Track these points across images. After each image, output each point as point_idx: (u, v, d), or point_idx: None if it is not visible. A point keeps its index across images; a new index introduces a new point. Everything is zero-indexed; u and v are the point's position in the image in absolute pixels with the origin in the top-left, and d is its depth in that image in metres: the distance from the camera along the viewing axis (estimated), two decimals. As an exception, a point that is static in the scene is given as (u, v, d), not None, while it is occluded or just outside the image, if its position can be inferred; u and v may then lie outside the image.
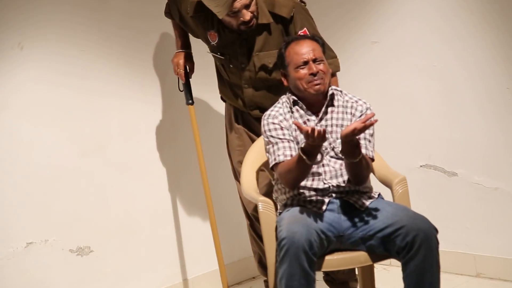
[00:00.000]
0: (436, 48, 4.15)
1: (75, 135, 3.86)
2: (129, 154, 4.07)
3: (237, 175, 3.85)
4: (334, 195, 3.18)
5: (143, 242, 4.11)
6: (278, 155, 3.17)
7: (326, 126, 3.23)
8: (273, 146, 3.20)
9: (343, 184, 3.18)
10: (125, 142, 4.05)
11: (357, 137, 2.96)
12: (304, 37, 3.32)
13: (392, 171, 3.39)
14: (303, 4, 3.65)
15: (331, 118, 3.25)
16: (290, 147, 3.18)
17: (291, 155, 3.13)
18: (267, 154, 3.25)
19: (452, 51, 4.09)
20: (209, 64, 3.91)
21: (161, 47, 4.21)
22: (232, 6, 3.45)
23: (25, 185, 3.69)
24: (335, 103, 3.27)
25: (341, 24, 4.54)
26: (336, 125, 3.23)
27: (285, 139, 3.19)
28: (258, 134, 3.67)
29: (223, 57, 3.69)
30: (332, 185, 3.17)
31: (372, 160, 3.19)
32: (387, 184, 3.36)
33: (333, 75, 3.57)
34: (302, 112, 3.27)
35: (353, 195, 3.19)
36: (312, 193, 3.19)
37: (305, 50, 3.22)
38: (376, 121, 2.92)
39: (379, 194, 3.28)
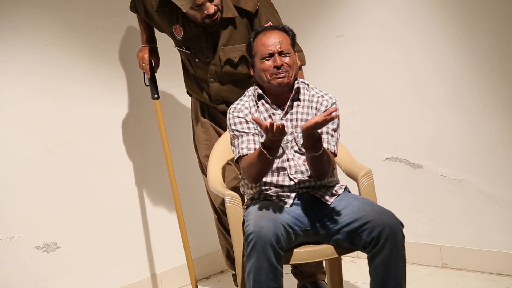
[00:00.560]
0: (402, 40, 4.15)
1: (39, 130, 3.83)
2: (95, 149, 4.04)
3: (204, 170, 3.85)
4: (300, 191, 3.18)
5: (110, 238, 4.09)
6: (242, 148, 3.15)
7: (291, 120, 3.22)
8: (237, 139, 3.19)
9: (308, 179, 3.17)
10: (90, 137, 4.02)
11: (319, 131, 2.96)
12: (275, 27, 3.28)
13: (358, 164, 3.40)
14: None
15: (296, 113, 3.24)
16: (254, 141, 3.16)
17: (255, 149, 3.12)
18: (232, 148, 3.24)
19: (418, 44, 4.09)
20: (175, 58, 3.90)
21: (126, 42, 4.19)
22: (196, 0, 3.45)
23: (-12, 181, 3.65)
24: (301, 97, 3.26)
25: (305, 17, 4.51)
26: (301, 120, 3.22)
27: (250, 132, 3.18)
28: (224, 128, 3.66)
29: (188, 52, 3.68)
30: (298, 182, 3.16)
31: (335, 155, 3.18)
32: (352, 177, 3.37)
33: (299, 68, 3.54)
34: (267, 106, 3.26)
35: (319, 189, 3.19)
36: (279, 191, 3.19)
37: (271, 41, 3.19)
38: (337, 116, 2.91)
39: (346, 187, 3.28)
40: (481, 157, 3.95)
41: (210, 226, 4.18)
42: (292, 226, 3.06)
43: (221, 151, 3.56)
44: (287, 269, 3.58)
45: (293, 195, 3.17)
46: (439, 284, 3.96)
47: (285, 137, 3.11)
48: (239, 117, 3.22)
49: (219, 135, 3.74)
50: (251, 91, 3.31)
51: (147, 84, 3.92)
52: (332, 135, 3.18)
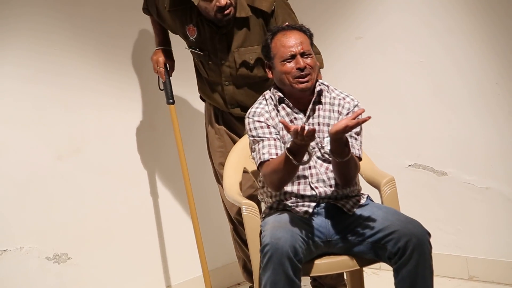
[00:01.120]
0: (424, 42, 4.14)
1: (50, 137, 3.82)
2: (107, 156, 4.03)
3: (219, 178, 3.83)
4: (321, 201, 3.13)
5: (123, 248, 4.08)
6: (263, 154, 3.10)
7: (314, 124, 3.18)
8: (258, 144, 3.14)
9: (330, 189, 3.13)
10: (102, 144, 4.02)
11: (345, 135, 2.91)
12: (292, 27, 3.21)
13: (380, 172, 3.37)
14: None
15: (318, 116, 3.19)
16: (275, 146, 3.11)
17: (277, 154, 3.08)
18: (253, 154, 3.19)
19: (440, 46, 4.08)
20: (191, 61, 3.88)
21: (139, 45, 4.19)
22: None
23: (-1, 190, 3.66)
24: (322, 99, 3.21)
25: (324, 19, 4.51)
26: (324, 124, 3.17)
27: (271, 137, 3.13)
28: (240, 135, 3.66)
29: (202, 53, 3.64)
30: (319, 192, 3.12)
31: (360, 159, 3.14)
32: (375, 185, 3.34)
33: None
34: (288, 110, 3.20)
35: (341, 199, 3.15)
36: (299, 200, 3.14)
37: (292, 42, 3.13)
38: (369, 117, 2.86)
39: (368, 196, 3.24)
40: (508, 164, 3.93)
41: (226, 236, 4.16)
42: (312, 237, 3.02)
43: (237, 159, 3.52)
44: (306, 281, 3.52)
45: (313, 204, 3.12)
46: (466, 297, 3.96)
47: None
48: (259, 121, 3.17)
49: (234, 142, 3.72)
50: (269, 94, 3.25)
51: (162, 88, 3.90)
52: (356, 139, 3.14)
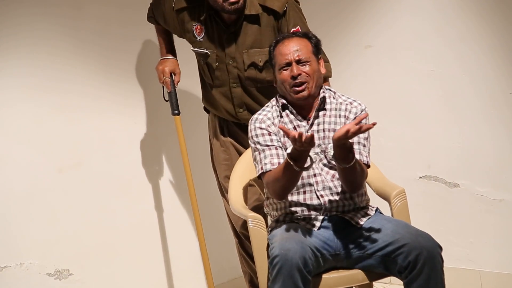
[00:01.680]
0: (435, 51, 4.12)
1: (50, 149, 3.82)
2: (110, 169, 4.02)
3: (223, 191, 3.82)
4: (328, 214, 3.12)
5: (127, 264, 4.06)
6: (265, 164, 3.11)
7: (318, 131, 3.18)
8: (260, 153, 3.15)
9: (336, 198, 3.12)
10: (104, 157, 4.01)
11: (350, 140, 2.90)
12: (294, 35, 3.25)
13: (390, 183, 3.37)
14: (296, 3, 3.64)
15: (323, 122, 3.19)
16: (278, 155, 3.12)
17: (279, 163, 3.08)
18: (254, 163, 3.20)
19: (452, 54, 4.07)
20: (197, 71, 3.86)
21: (142, 53, 4.18)
22: None
23: (-2, 204, 3.65)
24: (327, 106, 3.22)
25: (331, 26, 4.50)
26: (329, 130, 3.17)
27: (273, 145, 3.14)
28: (246, 146, 3.65)
29: (209, 53, 3.64)
30: (325, 201, 3.11)
31: (368, 166, 3.13)
32: (384, 197, 3.33)
33: (325, 80, 3.51)
34: (292, 116, 3.21)
35: (349, 212, 3.14)
36: (305, 210, 3.13)
37: (289, 50, 3.15)
38: (374, 124, 2.85)
39: (377, 209, 3.23)
40: (523, 175, 3.92)
41: (232, 250, 4.14)
42: (320, 250, 3.01)
43: (243, 171, 3.52)
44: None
45: (321, 217, 3.12)
46: (479, 312, 3.94)
47: (312, 150, 3.06)
48: (261, 128, 3.18)
49: (240, 153, 3.70)
50: (275, 101, 3.27)
51: (167, 99, 3.88)
52: (364, 145, 3.14)
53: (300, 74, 3.12)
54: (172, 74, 3.85)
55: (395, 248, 2.92)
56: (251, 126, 3.21)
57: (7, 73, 3.68)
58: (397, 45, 4.26)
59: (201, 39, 3.65)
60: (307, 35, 3.23)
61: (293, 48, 3.15)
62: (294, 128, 3.18)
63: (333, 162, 3.09)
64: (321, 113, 3.20)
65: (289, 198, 3.13)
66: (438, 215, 4.20)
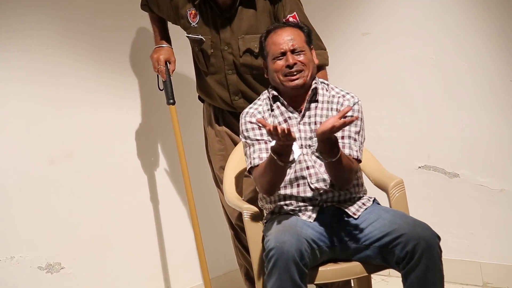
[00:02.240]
0: (434, 38, 4.13)
1: (41, 141, 3.80)
2: (102, 160, 4.01)
3: (218, 182, 3.82)
4: (324, 204, 3.12)
5: (120, 257, 4.06)
6: (254, 158, 3.12)
7: (310, 123, 3.18)
8: (249, 148, 3.17)
9: (331, 189, 3.12)
10: (97, 148, 4.00)
11: (338, 134, 2.91)
12: (286, 24, 3.27)
13: (388, 174, 3.36)
14: None
15: (315, 115, 3.19)
16: (267, 149, 3.12)
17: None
18: (245, 157, 3.21)
19: (451, 41, 4.06)
20: (192, 59, 3.85)
21: (134, 43, 4.17)
22: None
23: (-14, 197, 3.64)
24: (319, 98, 3.22)
25: (327, 13, 4.51)
26: (320, 122, 3.15)
27: (262, 140, 3.15)
28: None
29: (204, 39, 3.63)
30: (320, 193, 3.11)
31: (358, 161, 3.12)
32: (382, 188, 3.33)
33: (321, 68, 3.52)
34: (283, 108, 3.22)
35: (345, 202, 3.14)
36: (300, 203, 3.13)
37: (283, 39, 3.17)
38: (356, 118, 2.85)
39: (374, 199, 3.23)
40: (524, 165, 3.93)
41: (228, 243, 4.14)
42: (317, 241, 3.00)
43: (238, 162, 3.52)
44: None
45: (316, 209, 3.11)
46: (480, 304, 3.97)
47: (303, 142, 3.10)
48: (251, 122, 3.20)
49: (235, 144, 3.71)
50: (266, 94, 3.28)
51: (162, 88, 3.87)
52: (355, 139, 3.12)
53: (295, 63, 3.13)
54: (167, 63, 3.84)
55: (393, 239, 2.92)
56: (241, 120, 3.22)
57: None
58: (395, 32, 4.27)
59: (196, 25, 3.65)
60: (298, 25, 3.26)
61: (287, 38, 3.16)
62: (285, 121, 3.18)
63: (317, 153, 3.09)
64: (313, 105, 3.20)
65: (283, 191, 3.13)
66: (437, 206, 4.21)
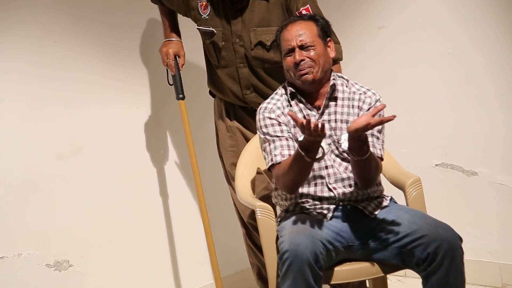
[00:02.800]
0: (452, 32, 4.10)
1: (49, 136, 3.80)
2: (111, 156, 4.02)
3: (230, 179, 3.82)
4: (341, 203, 3.11)
5: (129, 255, 4.07)
6: (275, 155, 3.08)
7: (330, 121, 3.15)
8: (269, 144, 3.13)
9: (349, 190, 3.10)
10: (105, 143, 4.00)
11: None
12: (299, 18, 3.24)
13: (405, 172, 3.35)
14: None
15: (335, 113, 3.16)
16: (288, 146, 3.09)
17: (290, 155, 3.05)
18: (264, 154, 3.17)
19: (470, 35, 4.04)
20: (203, 53, 3.85)
21: (146, 35, 4.18)
22: None
23: (-7, 193, 3.66)
24: (339, 94, 3.19)
25: (343, 7, 4.50)
26: (341, 121, 3.15)
27: (283, 136, 3.11)
28: (253, 131, 3.66)
29: (215, 32, 3.63)
30: (338, 193, 3.09)
31: (381, 159, 3.11)
32: (399, 186, 3.32)
33: (335, 62, 3.50)
34: (301, 105, 3.19)
35: (362, 201, 3.12)
36: (317, 202, 3.11)
37: (291, 35, 3.15)
38: (394, 117, 2.81)
39: (391, 198, 3.21)
40: (544, 163, 3.92)
41: (239, 241, 4.15)
42: (333, 242, 2.99)
43: (250, 158, 3.51)
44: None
45: (332, 207, 3.10)
46: (498, 306, 3.95)
47: (324, 141, 3.06)
48: (270, 118, 3.15)
49: (247, 140, 3.70)
50: (283, 89, 3.25)
51: (171, 83, 3.86)
52: (378, 137, 3.11)
53: (303, 60, 3.10)
54: (177, 57, 3.84)
55: (413, 240, 2.91)
56: (259, 116, 3.18)
57: (2, 58, 3.67)
58: (412, 26, 4.25)
59: (207, 17, 3.64)
60: (313, 17, 3.22)
61: (295, 33, 3.13)
62: (304, 117, 3.15)
63: (345, 154, 3.08)
64: (332, 102, 3.17)
65: (300, 190, 3.11)
66: (455, 205, 4.20)
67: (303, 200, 3.12)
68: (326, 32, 3.20)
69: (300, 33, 3.13)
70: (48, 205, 3.77)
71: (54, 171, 3.79)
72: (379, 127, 3.09)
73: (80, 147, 3.89)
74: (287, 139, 3.10)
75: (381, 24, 4.37)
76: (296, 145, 3.05)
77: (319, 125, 2.77)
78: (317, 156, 2.95)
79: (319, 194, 3.10)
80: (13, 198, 3.66)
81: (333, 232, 3.02)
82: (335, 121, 3.14)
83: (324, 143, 3.00)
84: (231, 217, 4.12)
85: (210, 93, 3.88)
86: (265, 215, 3.13)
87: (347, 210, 3.10)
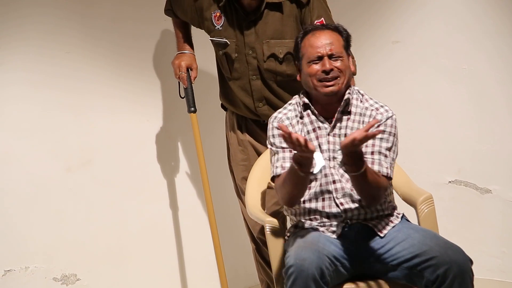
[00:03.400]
0: (467, 47, 4.12)
1: (59, 147, 3.83)
2: (120, 168, 4.03)
3: (240, 193, 3.81)
4: (349, 221, 3.08)
5: (137, 269, 4.07)
6: (276, 167, 3.09)
7: (340, 135, 3.13)
8: (274, 155, 3.13)
9: (356, 206, 3.07)
10: (115, 155, 4.02)
11: (370, 150, 2.93)
12: (326, 27, 3.19)
13: (417, 188, 3.34)
14: None
15: (346, 127, 3.14)
16: (290, 158, 3.05)
17: None
18: (270, 165, 3.17)
19: (486, 51, 4.05)
20: (215, 66, 3.85)
21: (157, 47, 4.19)
22: None
23: (1, 205, 3.65)
24: (352, 109, 3.15)
25: (360, 23, 4.49)
26: None
27: (287, 148, 3.08)
28: (265, 145, 3.60)
29: (228, 43, 3.63)
30: (345, 209, 3.06)
31: (389, 178, 3.06)
32: (410, 202, 3.31)
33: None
34: (313, 117, 3.16)
35: (372, 219, 3.09)
36: (325, 218, 3.09)
37: (321, 43, 3.09)
38: (379, 132, 2.80)
39: (403, 216, 3.18)
40: (559, 181, 3.91)
41: (249, 257, 4.12)
42: (340, 259, 2.97)
43: (261, 173, 3.49)
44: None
45: (341, 224, 3.07)
46: (511, 327, 3.94)
47: (331, 154, 3.07)
48: (278, 128, 3.09)
49: (259, 154, 3.69)
50: (297, 99, 3.22)
51: (183, 96, 3.86)
52: (386, 156, 3.05)
53: (332, 69, 3.07)
54: (189, 69, 3.84)
55: (423, 261, 2.88)
56: (269, 126, 3.18)
57: (13, 68, 3.69)
58: (427, 40, 4.25)
59: (220, 28, 3.64)
60: (338, 28, 3.17)
61: (325, 41, 3.09)
62: (314, 130, 3.13)
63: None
64: (345, 116, 3.14)
65: (307, 205, 3.10)
66: (468, 223, 4.19)
67: (312, 216, 3.11)
68: (349, 44, 3.18)
69: (330, 41, 3.09)
70: (56, 218, 3.78)
71: (63, 183, 3.81)
72: (389, 145, 3.05)
73: (90, 159, 3.90)
74: (290, 151, 3.07)
75: (395, 39, 4.37)
76: None
77: (301, 140, 2.74)
78: (315, 171, 2.93)
79: (327, 209, 3.07)
80: (21, 210, 3.68)
81: (340, 249, 2.99)
82: (345, 135, 3.10)
83: (321, 158, 2.98)
84: (240, 232, 4.11)
85: (222, 106, 3.87)
86: (274, 231, 3.12)
87: (356, 228, 3.07)
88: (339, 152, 3.09)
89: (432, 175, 4.26)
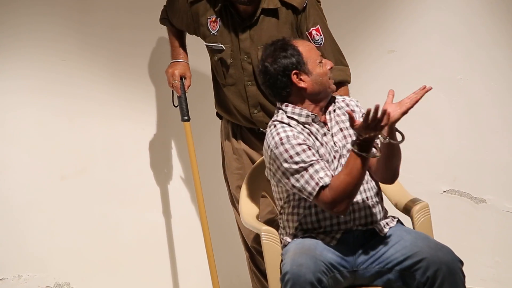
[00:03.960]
0: (463, 57, 4.13)
1: (53, 156, 3.85)
2: (115, 178, 4.04)
3: (235, 202, 3.79)
4: (346, 228, 3.08)
5: (131, 277, 4.08)
6: (321, 178, 2.97)
7: (341, 129, 3.16)
8: (306, 171, 3.00)
9: (357, 212, 3.08)
10: (110, 165, 4.03)
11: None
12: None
13: (412, 198, 3.34)
14: (318, 2, 3.63)
15: (338, 122, 3.17)
16: (328, 167, 3.02)
17: (333, 175, 2.99)
18: (297, 185, 3.01)
19: (481, 61, 4.07)
20: (209, 75, 3.85)
21: (151, 59, 4.20)
22: None
23: (-5, 213, 3.67)
24: (330, 107, 3.18)
25: (357, 33, 4.48)
26: (346, 128, 3.14)
27: (319, 159, 3.02)
28: (260, 154, 3.61)
29: (224, 48, 3.63)
30: (343, 217, 3.06)
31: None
32: (406, 211, 3.31)
33: (343, 84, 3.53)
34: (317, 126, 3.14)
35: (372, 224, 3.09)
36: (322, 224, 3.08)
37: (311, 47, 3.18)
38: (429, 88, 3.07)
39: (398, 220, 3.20)
40: (553, 191, 3.90)
41: (243, 265, 4.11)
42: (337, 266, 2.97)
43: (255, 181, 3.48)
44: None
45: (340, 232, 3.07)
46: (505, 336, 3.93)
47: (338, 150, 3.09)
48: (299, 144, 3.03)
49: (253, 162, 3.67)
50: (284, 118, 3.14)
51: (176, 104, 3.86)
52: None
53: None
54: (183, 78, 3.84)
55: (414, 263, 2.90)
56: (284, 147, 3.02)
57: (9, 76, 3.72)
58: (422, 50, 4.25)
59: (216, 33, 3.64)
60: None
61: (312, 46, 3.22)
62: (324, 135, 3.13)
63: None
64: (328, 116, 3.16)
65: (306, 211, 3.08)
66: (462, 232, 4.19)
67: (308, 224, 3.09)
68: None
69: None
70: (49, 226, 3.79)
71: (57, 191, 3.82)
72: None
73: (84, 168, 3.91)
74: (323, 161, 3.04)
75: (390, 48, 4.37)
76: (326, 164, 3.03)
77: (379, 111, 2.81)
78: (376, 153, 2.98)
79: (326, 216, 3.06)
80: (15, 218, 3.70)
81: (338, 256, 2.98)
82: (341, 130, 3.14)
83: (337, 154, 3.07)
84: (234, 241, 4.10)
85: (217, 114, 3.87)
86: (270, 239, 3.11)
87: (354, 235, 3.07)
88: (344, 147, 3.11)
89: (427, 184, 4.26)
